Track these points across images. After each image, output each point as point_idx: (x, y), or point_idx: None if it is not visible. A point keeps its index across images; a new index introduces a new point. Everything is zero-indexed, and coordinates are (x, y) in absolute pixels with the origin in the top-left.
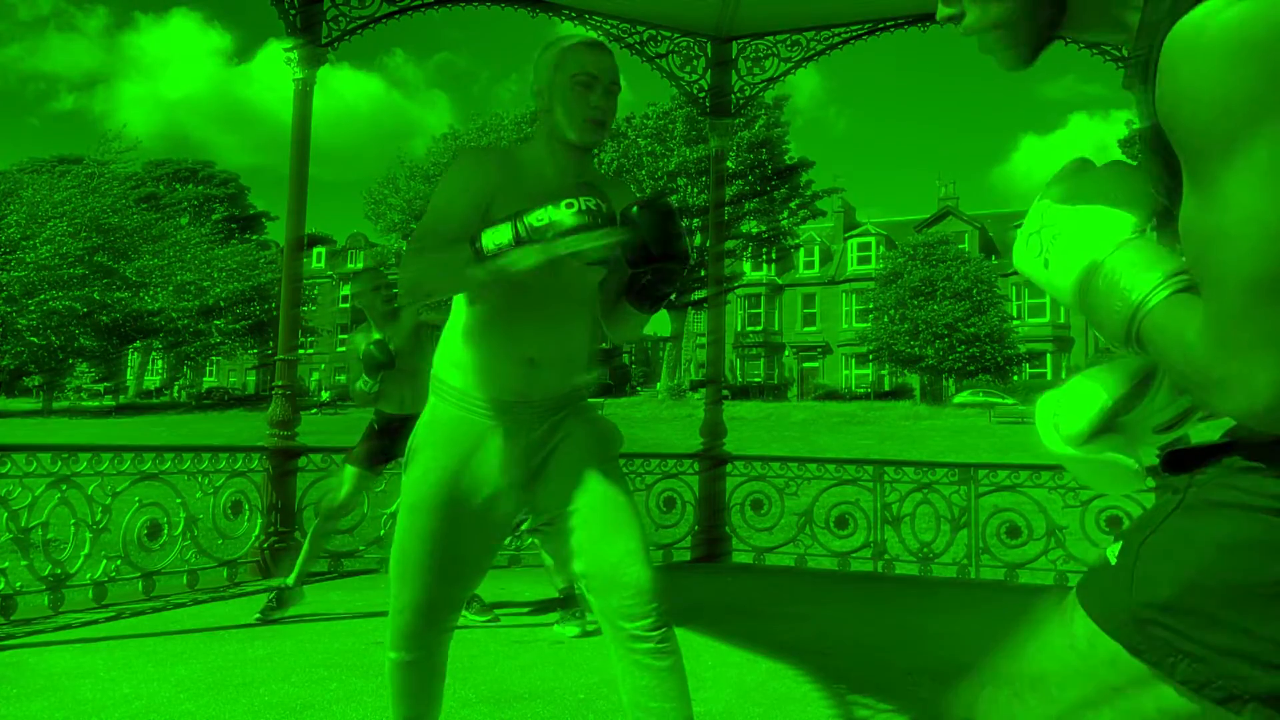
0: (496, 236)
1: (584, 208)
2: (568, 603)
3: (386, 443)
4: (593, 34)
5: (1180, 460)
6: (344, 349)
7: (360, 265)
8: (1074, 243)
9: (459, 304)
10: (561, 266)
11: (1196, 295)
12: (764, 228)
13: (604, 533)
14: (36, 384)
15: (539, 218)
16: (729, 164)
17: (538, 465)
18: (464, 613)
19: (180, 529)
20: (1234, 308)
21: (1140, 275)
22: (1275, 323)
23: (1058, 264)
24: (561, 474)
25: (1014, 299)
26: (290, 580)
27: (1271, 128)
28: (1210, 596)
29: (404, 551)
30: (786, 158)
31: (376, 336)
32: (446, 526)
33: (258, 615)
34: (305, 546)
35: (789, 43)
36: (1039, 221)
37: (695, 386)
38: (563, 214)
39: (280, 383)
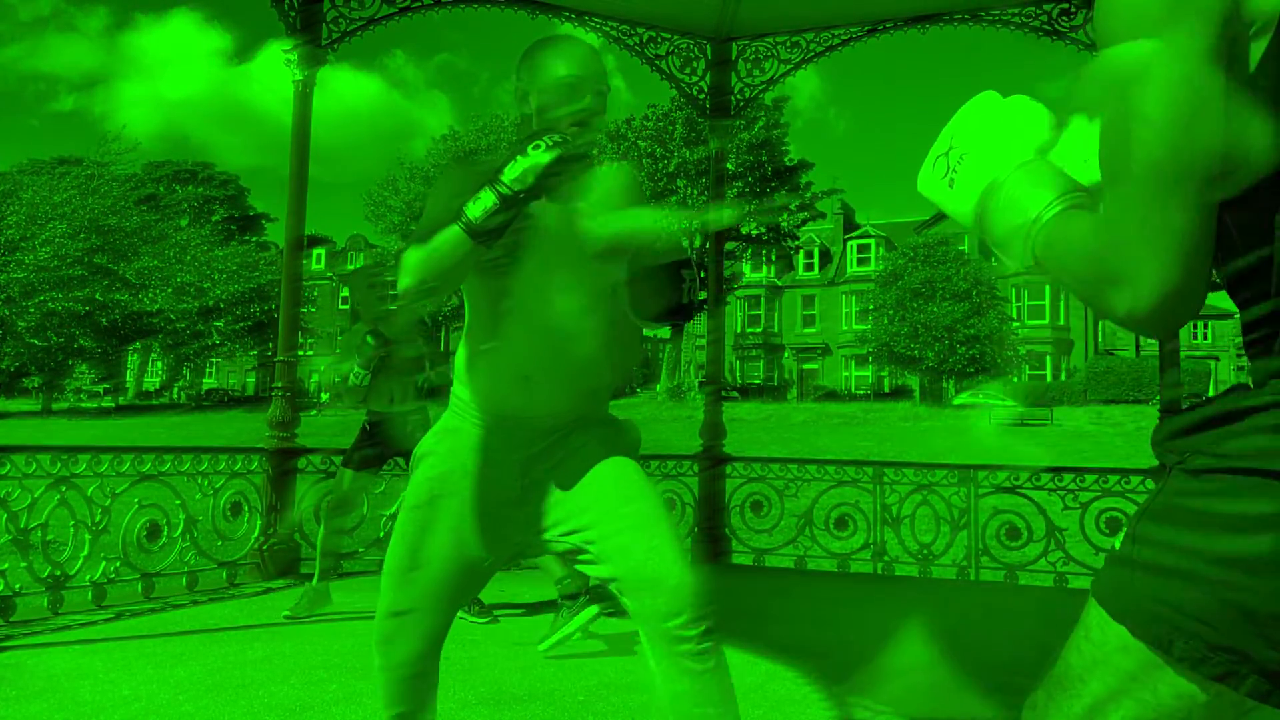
0: (480, 204)
1: (553, 141)
2: (570, 602)
3: (379, 444)
4: (590, 35)
5: (1174, 433)
6: (340, 350)
7: (359, 266)
8: (978, 164)
9: (467, 319)
10: (555, 270)
11: (1092, 212)
12: (764, 229)
13: (626, 531)
14: (36, 385)
15: (514, 169)
16: (729, 165)
17: (538, 479)
18: (464, 614)
19: (180, 530)
20: (1125, 202)
21: (1037, 192)
22: (1163, 217)
23: (962, 185)
24: (570, 488)
25: (1014, 300)
26: (314, 582)
27: (1164, 29)
28: (1205, 570)
29: (400, 551)
30: (786, 159)
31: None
32: (442, 530)
33: (286, 613)
34: (318, 547)
35: (788, 44)
36: (947, 144)
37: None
38: (534, 156)
39: (280, 384)
